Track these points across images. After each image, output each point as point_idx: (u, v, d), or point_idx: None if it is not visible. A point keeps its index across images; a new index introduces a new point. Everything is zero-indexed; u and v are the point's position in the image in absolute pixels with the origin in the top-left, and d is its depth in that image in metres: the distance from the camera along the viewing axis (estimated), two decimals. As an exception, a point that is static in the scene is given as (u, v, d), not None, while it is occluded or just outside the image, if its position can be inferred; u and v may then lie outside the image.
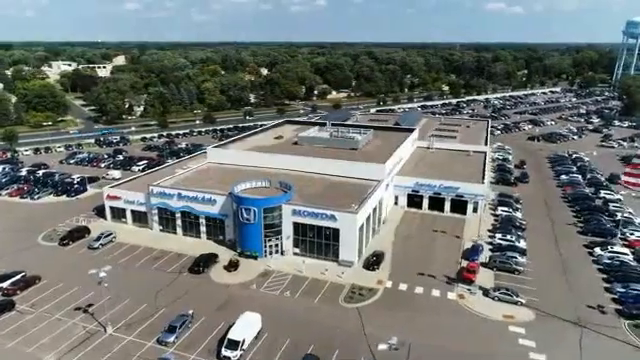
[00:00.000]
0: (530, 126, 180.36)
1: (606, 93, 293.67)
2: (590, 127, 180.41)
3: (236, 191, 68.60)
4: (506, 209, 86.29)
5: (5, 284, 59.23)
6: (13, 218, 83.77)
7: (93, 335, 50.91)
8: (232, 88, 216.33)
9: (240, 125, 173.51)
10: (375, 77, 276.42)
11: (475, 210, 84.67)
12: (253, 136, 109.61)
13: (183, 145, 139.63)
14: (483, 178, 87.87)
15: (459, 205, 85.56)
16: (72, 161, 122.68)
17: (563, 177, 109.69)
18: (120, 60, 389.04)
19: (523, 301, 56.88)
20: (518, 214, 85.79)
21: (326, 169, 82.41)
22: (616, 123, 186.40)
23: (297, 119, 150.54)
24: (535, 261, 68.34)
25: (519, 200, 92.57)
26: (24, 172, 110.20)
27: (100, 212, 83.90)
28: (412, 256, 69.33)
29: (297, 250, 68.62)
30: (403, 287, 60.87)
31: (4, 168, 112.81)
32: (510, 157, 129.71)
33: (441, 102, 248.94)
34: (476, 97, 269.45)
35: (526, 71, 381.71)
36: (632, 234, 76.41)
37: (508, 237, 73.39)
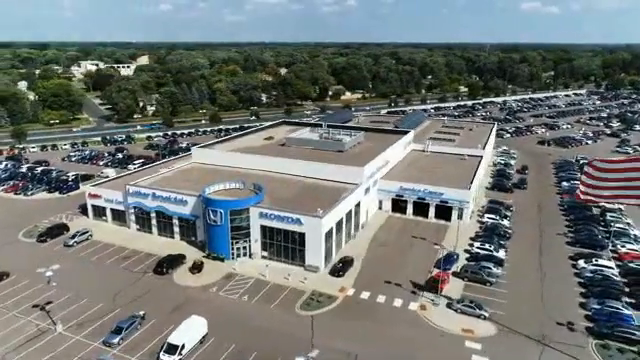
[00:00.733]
0: (543, 129, 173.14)
1: (633, 96, 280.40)
2: (608, 131, 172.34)
3: (206, 192, 68.26)
4: (493, 216, 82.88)
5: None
6: (2, 213, 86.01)
7: (43, 333, 51.28)
8: (243, 88, 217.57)
9: (246, 125, 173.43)
10: (390, 78, 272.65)
11: (460, 217, 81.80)
12: (245, 136, 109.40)
13: (184, 145, 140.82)
14: (471, 184, 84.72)
15: (444, 211, 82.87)
16: (73, 159, 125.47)
17: (564, 184, 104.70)
18: (144, 60, 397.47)
19: (487, 315, 54.15)
20: (505, 222, 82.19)
21: (306, 171, 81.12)
22: (637, 127, 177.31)
23: (294, 120, 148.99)
24: (512, 272, 65.15)
25: (510, 207, 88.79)
26: (24, 169, 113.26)
27: (84, 210, 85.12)
28: (383, 263, 67.27)
29: (265, 253, 67.70)
30: (365, 295, 58.99)
31: (7, 165, 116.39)
32: (513, 162, 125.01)
33: (455, 104, 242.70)
34: (494, 99, 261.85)
35: (552, 72, 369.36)
36: (623, 246, 71.88)
37: (487, 246, 70.33)
